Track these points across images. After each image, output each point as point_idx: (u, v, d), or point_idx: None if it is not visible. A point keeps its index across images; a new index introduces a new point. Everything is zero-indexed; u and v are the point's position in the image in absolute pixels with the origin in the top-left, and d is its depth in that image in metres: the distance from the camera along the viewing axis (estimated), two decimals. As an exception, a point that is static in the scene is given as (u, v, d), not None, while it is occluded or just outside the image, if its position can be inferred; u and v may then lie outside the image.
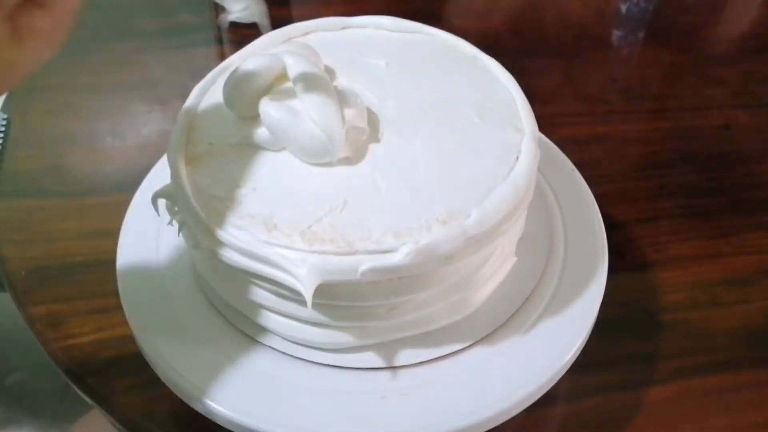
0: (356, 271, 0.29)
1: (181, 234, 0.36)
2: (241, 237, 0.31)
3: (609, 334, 0.39)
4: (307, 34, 0.41)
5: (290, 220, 0.31)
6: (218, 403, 0.33)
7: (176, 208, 0.35)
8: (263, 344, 0.35)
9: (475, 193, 0.32)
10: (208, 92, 0.37)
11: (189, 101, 0.37)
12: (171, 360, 0.35)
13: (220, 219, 0.31)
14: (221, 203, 0.32)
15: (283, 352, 0.35)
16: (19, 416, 0.63)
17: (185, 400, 0.34)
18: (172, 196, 0.34)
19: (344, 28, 0.41)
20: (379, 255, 0.30)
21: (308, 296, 0.29)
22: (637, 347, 0.42)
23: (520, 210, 0.33)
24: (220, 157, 0.34)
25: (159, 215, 0.38)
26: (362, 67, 0.37)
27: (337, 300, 0.32)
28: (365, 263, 0.29)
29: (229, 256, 0.31)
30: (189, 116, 0.36)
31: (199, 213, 0.32)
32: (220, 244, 0.31)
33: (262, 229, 0.30)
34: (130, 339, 0.37)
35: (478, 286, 0.36)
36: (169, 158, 0.34)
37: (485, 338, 0.36)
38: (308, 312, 0.32)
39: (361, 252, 0.30)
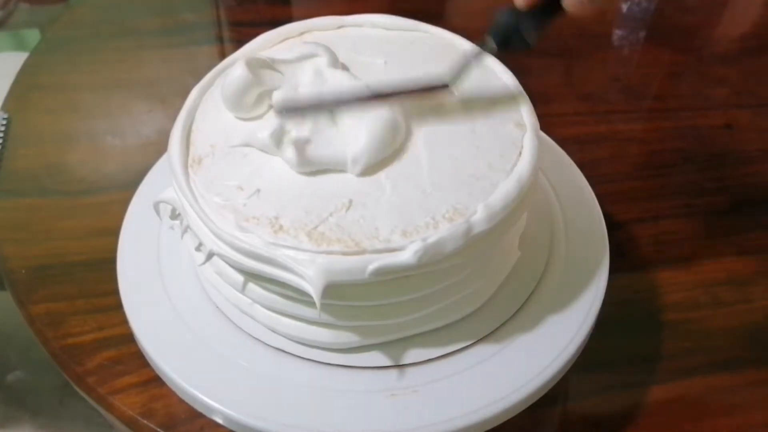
0: (365, 271, 0.29)
1: (183, 237, 0.36)
2: (248, 239, 0.30)
3: (610, 334, 0.39)
4: (302, 33, 0.40)
5: (296, 221, 0.31)
6: (225, 405, 0.33)
7: (178, 213, 0.35)
8: (266, 344, 0.35)
9: (480, 190, 0.32)
10: (207, 93, 0.37)
11: (188, 103, 0.36)
12: (172, 359, 0.35)
13: (224, 222, 0.31)
14: (225, 206, 0.32)
15: (288, 353, 0.35)
16: (18, 414, 0.63)
17: (188, 401, 0.34)
18: (174, 200, 0.34)
19: (340, 27, 0.41)
20: (387, 254, 0.30)
21: (317, 297, 0.29)
22: (637, 347, 0.42)
23: (525, 205, 0.34)
24: (222, 160, 0.33)
25: (161, 220, 0.38)
26: (361, 67, 0.37)
27: (344, 300, 0.32)
28: (374, 262, 0.29)
29: (236, 258, 0.31)
30: (188, 119, 0.36)
31: (202, 217, 0.32)
32: (226, 247, 0.31)
33: (268, 231, 0.30)
34: (130, 338, 0.37)
35: (483, 282, 0.36)
36: (169, 162, 0.34)
37: (486, 338, 0.36)
38: (315, 312, 0.32)
39: (369, 251, 0.30)
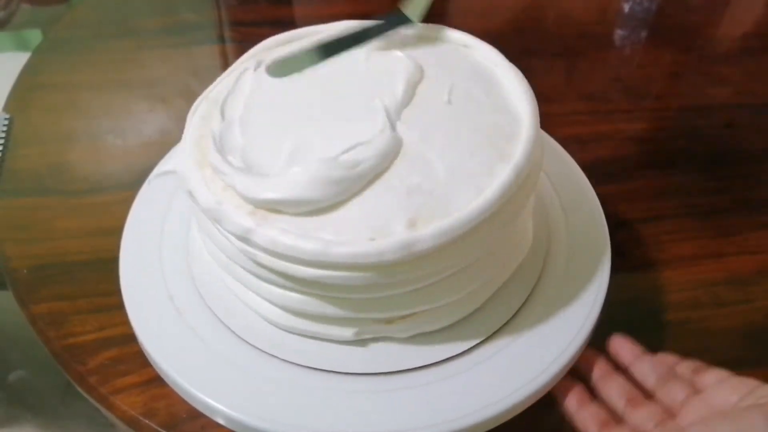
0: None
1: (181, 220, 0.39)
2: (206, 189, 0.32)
3: (611, 334, 0.39)
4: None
5: (247, 188, 0.31)
6: (226, 406, 0.33)
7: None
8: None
9: (414, 210, 0.30)
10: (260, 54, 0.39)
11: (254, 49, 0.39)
12: (173, 359, 0.35)
13: (202, 158, 0.33)
14: (204, 136, 0.34)
15: (280, 357, 0.35)
16: (20, 414, 0.63)
17: (189, 401, 0.34)
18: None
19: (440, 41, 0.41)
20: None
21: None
22: (638, 347, 0.42)
23: (463, 247, 0.31)
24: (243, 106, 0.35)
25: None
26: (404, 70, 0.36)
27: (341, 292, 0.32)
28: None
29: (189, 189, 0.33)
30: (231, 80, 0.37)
31: (187, 140, 0.34)
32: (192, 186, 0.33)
33: (220, 187, 0.32)
34: (131, 337, 0.37)
35: (470, 294, 0.35)
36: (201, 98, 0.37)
37: (490, 337, 0.36)
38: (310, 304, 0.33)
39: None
